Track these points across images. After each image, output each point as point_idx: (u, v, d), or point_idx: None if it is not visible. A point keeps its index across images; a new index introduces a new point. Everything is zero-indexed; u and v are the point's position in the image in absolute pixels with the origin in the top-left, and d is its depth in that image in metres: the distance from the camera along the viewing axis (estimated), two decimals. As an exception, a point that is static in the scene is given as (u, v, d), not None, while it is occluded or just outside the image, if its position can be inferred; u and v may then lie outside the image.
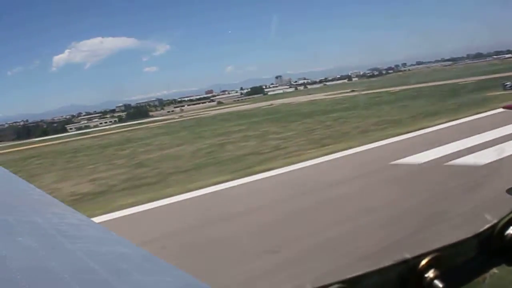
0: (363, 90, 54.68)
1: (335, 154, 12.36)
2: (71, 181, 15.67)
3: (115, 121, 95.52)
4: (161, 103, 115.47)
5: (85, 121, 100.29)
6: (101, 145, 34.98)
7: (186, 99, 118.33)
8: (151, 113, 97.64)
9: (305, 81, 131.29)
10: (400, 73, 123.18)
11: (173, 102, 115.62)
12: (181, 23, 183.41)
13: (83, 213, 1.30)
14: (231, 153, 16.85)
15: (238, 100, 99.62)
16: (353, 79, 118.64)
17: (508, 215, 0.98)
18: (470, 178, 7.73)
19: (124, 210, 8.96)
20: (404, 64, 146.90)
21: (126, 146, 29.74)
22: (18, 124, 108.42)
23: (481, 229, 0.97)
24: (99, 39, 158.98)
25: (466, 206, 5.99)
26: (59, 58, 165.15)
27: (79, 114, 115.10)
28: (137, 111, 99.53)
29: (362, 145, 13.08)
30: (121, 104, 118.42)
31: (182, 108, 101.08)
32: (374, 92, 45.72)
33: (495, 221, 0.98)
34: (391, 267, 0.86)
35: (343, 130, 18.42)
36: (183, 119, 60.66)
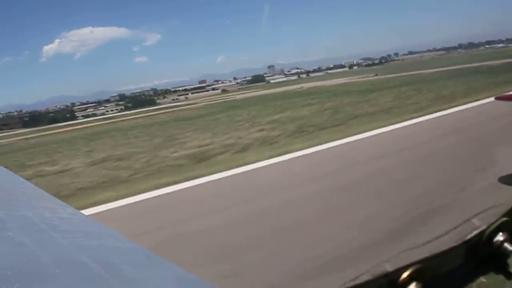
0: (385, 74, 55.83)
1: (463, 106, 13.76)
2: (240, 133, 15.96)
3: (121, 109, 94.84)
4: (156, 93, 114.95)
5: (91, 110, 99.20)
6: (185, 117, 31.72)
7: (180, 88, 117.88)
8: (157, 101, 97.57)
9: (298, 70, 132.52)
10: (397, 61, 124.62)
11: (167, 92, 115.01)
12: (172, 13, 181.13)
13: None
14: (363, 110, 17.43)
15: (241, 88, 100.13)
16: (353, 67, 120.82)
17: (496, 221, 0.97)
18: None
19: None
20: (396, 54, 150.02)
21: (220, 116, 26.52)
22: (12, 113, 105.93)
23: (469, 236, 0.96)
24: (89, 29, 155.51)
25: None
26: (49, 48, 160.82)
27: (73, 104, 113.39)
28: (144, 100, 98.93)
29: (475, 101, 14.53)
30: (115, 94, 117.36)
31: (187, 96, 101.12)
32: (403, 75, 45.97)
33: (483, 227, 0.96)
34: (369, 282, 0.85)
35: (437, 95, 19.40)
36: (213, 102, 57.96)
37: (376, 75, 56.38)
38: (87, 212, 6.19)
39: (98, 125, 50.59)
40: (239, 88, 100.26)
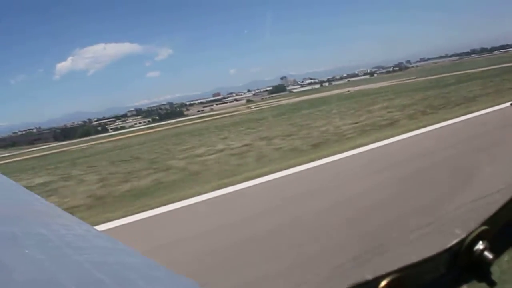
0: (417, 78, 57.72)
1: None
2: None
3: (148, 121, 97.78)
4: (172, 107, 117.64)
5: (119, 123, 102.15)
6: (257, 118, 31.81)
7: (196, 102, 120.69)
8: (185, 113, 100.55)
9: (312, 80, 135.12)
10: (414, 68, 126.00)
11: (183, 105, 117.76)
12: (183, 28, 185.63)
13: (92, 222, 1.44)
14: (452, 99, 17.97)
15: (265, 98, 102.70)
16: (374, 75, 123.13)
17: (476, 229, 0.97)
18: None
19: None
20: (408, 61, 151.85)
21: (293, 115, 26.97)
22: (32, 130, 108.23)
23: (450, 244, 0.96)
24: (102, 45, 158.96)
25: None
26: (62, 66, 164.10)
27: (90, 121, 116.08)
28: (169, 112, 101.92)
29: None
30: (132, 109, 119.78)
31: (212, 107, 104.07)
32: (440, 77, 46.52)
33: (463, 235, 0.96)
34: None
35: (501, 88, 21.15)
36: (257, 109, 57.61)
37: (416, 78, 58.03)
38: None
39: (148, 133, 50.98)
40: (262, 98, 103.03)
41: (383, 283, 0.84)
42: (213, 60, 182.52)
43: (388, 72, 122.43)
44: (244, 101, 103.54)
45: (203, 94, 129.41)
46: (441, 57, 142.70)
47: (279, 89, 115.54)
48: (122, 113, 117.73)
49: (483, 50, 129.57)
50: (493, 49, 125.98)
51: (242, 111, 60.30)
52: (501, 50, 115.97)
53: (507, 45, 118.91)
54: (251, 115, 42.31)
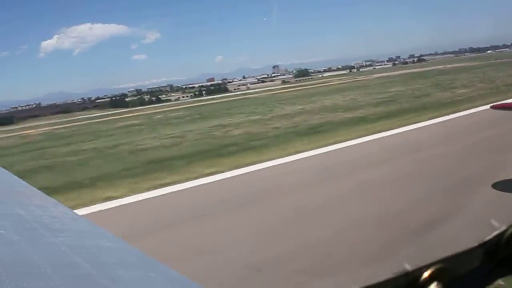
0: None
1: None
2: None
3: (191, 95, 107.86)
4: (172, 89, 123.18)
5: (164, 95, 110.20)
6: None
7: (196, 85, 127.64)
8: (231, 89, 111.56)
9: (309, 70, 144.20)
10: (430, 61, 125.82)
11: (182, 88, 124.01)
12: (171, 11, 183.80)
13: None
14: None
15: (298, 80, 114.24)
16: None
17: None
18: None
19: None
20: (411, 55, 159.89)
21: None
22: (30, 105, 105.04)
23: (488, 238, 0.96)
24: (88, 25, 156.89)
25: None
26: (47, 44, 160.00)
27: (90, 99, 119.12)
28: (217, 87, 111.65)
29: None
30: (132, 89, 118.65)
31: (248, 86, 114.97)
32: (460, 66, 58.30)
33: (503, 228, 0.96)
34: (390, 281, 0.85)
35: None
36: (341, 83, 60.69)
37: (445, 66, 65.71)
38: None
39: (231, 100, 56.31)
40: (296, 80, 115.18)
41: (426, 274, 0.86)
42: (199, 47, 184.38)
43: (405, 63, 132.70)
44: (279, 82, 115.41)
45: (188, 80, 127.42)
46: (431, 54, 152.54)
47: (303, 73, 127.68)
48: (101, 95, 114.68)
49: (472, 50, 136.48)
50: (485, 48, 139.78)
51: (325, 85, 63.05)
52: (496, 50, 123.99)
53: (497, 45, 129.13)
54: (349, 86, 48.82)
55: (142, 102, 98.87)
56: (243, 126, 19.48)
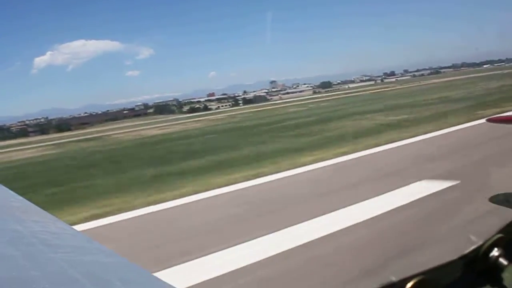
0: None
1: None
2: None
3: (229, 105, 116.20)
4: (179, 104, 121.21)
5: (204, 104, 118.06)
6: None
7: (202, 99, 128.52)
8: (269, 98, 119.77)
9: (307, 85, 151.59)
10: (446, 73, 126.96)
11: (190, 103, 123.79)
12: (164, 28, 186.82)
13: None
14: None
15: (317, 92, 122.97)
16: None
17: (492, 237, 1.03)
18: None
19: None
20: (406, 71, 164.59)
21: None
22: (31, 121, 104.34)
23: (467, 251, 1.02)
24: (82, 41, 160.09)
25: None
26: (41, 60, 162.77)
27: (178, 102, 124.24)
28: (254, 98, 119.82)
29: None
30: (140, 103, 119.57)
31: (282, 96, 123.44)
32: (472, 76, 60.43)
33: (480, 242, 1.02)
34: None
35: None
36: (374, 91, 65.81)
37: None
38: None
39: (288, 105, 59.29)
40: (314, 92, 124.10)
41: (409, 285, 0.88)
42: (192, 62, 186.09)
43: (422, 75, 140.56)
44: (310, 92, 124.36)
45: (182, 95, 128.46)
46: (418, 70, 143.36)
47: (326, 85, 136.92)
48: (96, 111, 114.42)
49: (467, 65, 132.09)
50: (481, 63, 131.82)
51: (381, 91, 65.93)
52: (494, 64, 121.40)
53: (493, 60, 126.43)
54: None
55: (182, 111, 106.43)
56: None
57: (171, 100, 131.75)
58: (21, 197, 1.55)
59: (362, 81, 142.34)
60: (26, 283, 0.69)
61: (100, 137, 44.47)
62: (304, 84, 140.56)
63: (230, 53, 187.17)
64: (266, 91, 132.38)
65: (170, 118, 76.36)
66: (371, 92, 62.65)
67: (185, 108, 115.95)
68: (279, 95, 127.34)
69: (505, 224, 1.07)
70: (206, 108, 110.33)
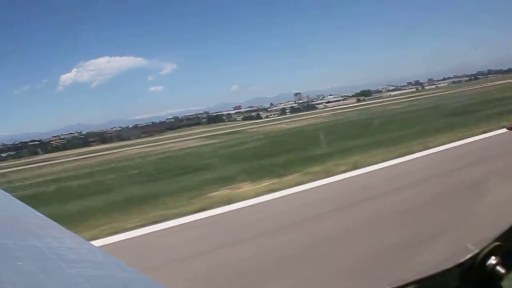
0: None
1: None
2: None
3: (278, 113, 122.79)
4: (208, 116, 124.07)
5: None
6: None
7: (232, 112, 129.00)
8: (316, 106, 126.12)
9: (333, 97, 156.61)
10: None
11: (219, 116, 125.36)
12: (187, 43, 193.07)
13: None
14: None
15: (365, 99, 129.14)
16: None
17: (489, 245, 1.00)
18: None
19: None
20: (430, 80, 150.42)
21: None
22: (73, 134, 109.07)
23: (463, 259, 0.99)
24: (106, 58, 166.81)
25: None
26: (66, 77, 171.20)
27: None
28: (305, 105, 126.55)
29: None
30: (170, 117, 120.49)
31: (327, 104, 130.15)
32: None
33: (476, 251, 0.99)
34: None
35: None
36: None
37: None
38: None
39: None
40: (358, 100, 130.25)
41: None
42: (214, 77, 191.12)
43: (460, 81, 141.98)
44: (354, 100, 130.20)
45: (206, 109, 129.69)
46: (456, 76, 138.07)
47: (365, 93, 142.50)
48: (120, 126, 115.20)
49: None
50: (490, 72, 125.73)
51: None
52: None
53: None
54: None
55: (236, 119, 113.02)
56: None
57: (200, 113, 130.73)
58: (40, 214, 1.56)
59: (396, 89, 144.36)
60: None
61: (239, 131, 48.91)
62: (330, 95, 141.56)
63: (252, 67, 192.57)
64: (294, 101, 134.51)
65: (242, 123, 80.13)
66: (442, 94, 63.76)
67: (239, 117, 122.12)
68: (323, 103, 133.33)
69: (502, 231, 1.02)
70: (259, 117, 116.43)
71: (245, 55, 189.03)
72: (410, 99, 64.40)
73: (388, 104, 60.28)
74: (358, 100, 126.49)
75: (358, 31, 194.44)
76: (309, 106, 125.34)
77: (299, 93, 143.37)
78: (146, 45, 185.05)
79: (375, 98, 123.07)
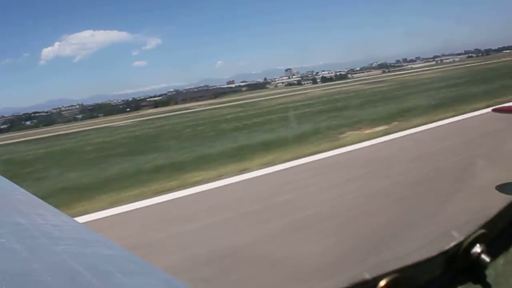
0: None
1: None
2: None
3: (310, 82, 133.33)
4: (208, 89, 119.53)
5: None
6: None
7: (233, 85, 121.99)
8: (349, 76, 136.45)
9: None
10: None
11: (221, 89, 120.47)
12: (172, 18, 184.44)
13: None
14: None
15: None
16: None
17: (474, 233, 0.97)
18: None
19: None
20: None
21: None
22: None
23: (447, 247, 0.96)
24: (90, 32, 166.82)
25: None
26: (49, 51, 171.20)
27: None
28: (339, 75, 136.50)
29: None
30: (172, 90, 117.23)
31: (352, 75, 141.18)
32: None
33: (461, 239, 0.96)
34: None
35: None
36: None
37: None
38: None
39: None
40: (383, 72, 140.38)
41: (382, 283, 0.84)
42: (198, 52, 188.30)
43: (470, 57, 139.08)
44: (379, 72, 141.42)
45: (190, 85, 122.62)
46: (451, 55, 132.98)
47: (384, 66, 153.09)
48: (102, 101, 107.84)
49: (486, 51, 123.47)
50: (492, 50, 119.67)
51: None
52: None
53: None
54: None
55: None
56: None
57: (201, 87, 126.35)
58: (24, 190, 1.52)
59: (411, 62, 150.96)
60: (28, 276, 0.69)
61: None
62: (323, 71, 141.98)
63: (237, 43, 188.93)
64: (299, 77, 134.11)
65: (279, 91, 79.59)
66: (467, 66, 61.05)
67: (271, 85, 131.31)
68: (349, 74, 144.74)
69: (488, 219, 1.00)
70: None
71: (231, 32, 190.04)
72: (445, 69, 63.42)
73: (431, 72, 60.61)
74: (384, 72, 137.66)
75: (353, 7, 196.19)
76: (342, 76, 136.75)
77: (289, 69, 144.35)
78: (131, 20, 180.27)
79: (397, 70, 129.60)
